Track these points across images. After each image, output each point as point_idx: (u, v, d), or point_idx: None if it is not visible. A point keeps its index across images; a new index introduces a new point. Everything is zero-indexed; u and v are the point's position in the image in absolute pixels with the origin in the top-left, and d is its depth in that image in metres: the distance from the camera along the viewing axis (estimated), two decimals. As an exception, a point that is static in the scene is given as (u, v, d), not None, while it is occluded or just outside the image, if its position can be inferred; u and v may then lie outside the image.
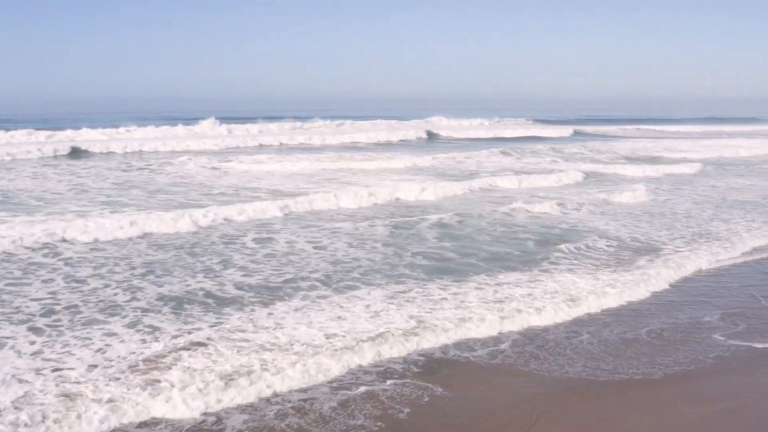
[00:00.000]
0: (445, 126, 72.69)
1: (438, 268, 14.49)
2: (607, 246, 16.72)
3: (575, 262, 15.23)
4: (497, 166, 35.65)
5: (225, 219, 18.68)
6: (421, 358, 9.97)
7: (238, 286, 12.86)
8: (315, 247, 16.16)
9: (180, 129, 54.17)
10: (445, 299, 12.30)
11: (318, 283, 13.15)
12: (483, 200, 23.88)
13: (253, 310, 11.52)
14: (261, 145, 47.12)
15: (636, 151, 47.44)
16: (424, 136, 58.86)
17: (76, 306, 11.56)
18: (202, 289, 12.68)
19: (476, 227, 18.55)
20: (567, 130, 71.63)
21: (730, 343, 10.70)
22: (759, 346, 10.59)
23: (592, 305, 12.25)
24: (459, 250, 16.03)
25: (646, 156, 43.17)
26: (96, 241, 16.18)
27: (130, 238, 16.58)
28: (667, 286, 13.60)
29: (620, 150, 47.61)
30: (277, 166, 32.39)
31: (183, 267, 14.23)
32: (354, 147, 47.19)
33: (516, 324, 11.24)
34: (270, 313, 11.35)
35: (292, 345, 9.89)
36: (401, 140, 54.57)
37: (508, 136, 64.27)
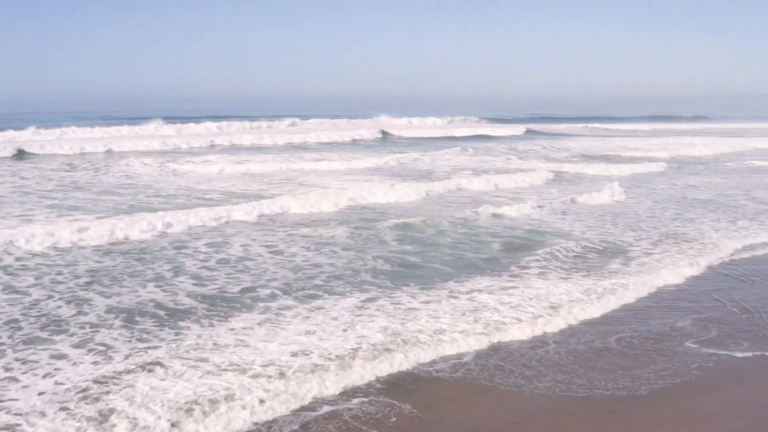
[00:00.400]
0: (397, 125, 72.23)
1: (403, 275, 13.82)
2: (582, 249, 16.17)
3: (549, 266, 14.67)
4: (461, 165, 35.12)
5: (176, 223, 17.69)
6: (391, 374, 9.29)
7: (193, 296, 12.04)
8: (271, 252, 15.40)
9: (126, 129, 52.93)
10: (416, 309, 11.63)
11: (279, 292, 12.37)
12: (451, 202, 23.18)
13: (211, 325, 10.69)
14: (212, 145, 45.95)
15: (592, 149, 47.46)
16: (379, 135, 58.09)
17: (16, 321, 10.67)
18: (153, 300, 11.82)
19: (443, 230, 17.88)
20: (519, 129, 71.69)
21: (709, 352, 10.19)
22: (740, 355, 10.10)
23: (572, 316, 11.65)
24: (424, 255, 15.37)
25: (604, 154, 43.00)
26: (40, 246, 15.22)
27: (75, 244, 15.64)
28: (645, 294, 13.08)
29: (576, 148, 47.56)
30: (229, 167, 31.41)
31: (131, 275, 13.39)
32: (306, 147, 46.34)
33: (493, 338, 10.55)
34: (231, 328, 10.52)
35: (261, 366, 9.08)
36: (354, 140, 53.77)
37: (461, 134, 63.87)
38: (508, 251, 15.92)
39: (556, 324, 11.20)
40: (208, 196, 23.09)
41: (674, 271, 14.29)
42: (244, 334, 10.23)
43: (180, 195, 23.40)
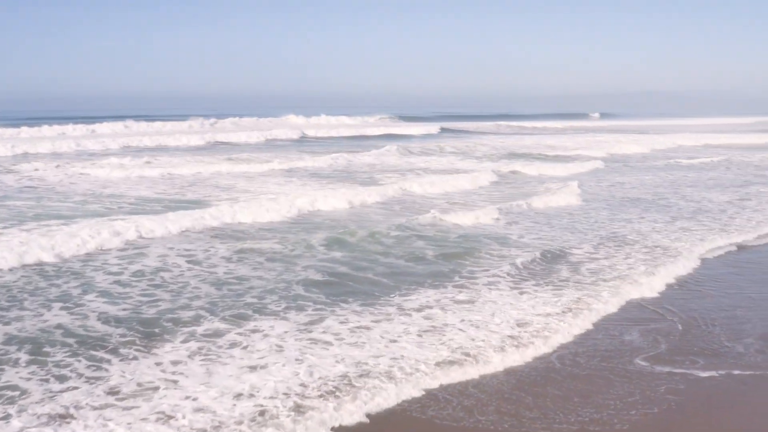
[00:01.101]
0: (314, 125, 71.01)
1: (342, 288, 12.58)
2: (536, 257, 15.14)
3: (498, 275, 13.62)
4: (398, 166, 33.92)
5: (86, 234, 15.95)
6: (361, 422, 7.94)
7: (106, 320, 10.57)
8: (190, 262, 14.04)
9: (25, 131, 50.48)
10: (368, 328, 10.41)
11: (205, 313, 10.97)
12: (397, 208, 21.77)
13: (135, 358, 9.20)
14: (124, 147, 43.70)
15: (521, 147, 47.02)
16: (294, 135, 56.42)
17: None
18: (60, 326, 10.31)
19: (384, 239, 16.48)
20: (434, 127, 71.15)
21: (665, 371, 9.25)
22: (704, 374, 9.15)
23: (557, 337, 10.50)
24: (359, 266, 14.17)
25: (537, 153, 42.13)
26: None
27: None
28: (615, 309, 11.99)
29: (503, 147, 47.26)
30: (137, 171, 29.50)
31: (33, 294, 11.84)
32: (220, 148, 44.54)
33: (470, 368, 9.20)
34: (157, 362, 9.03)
35: (195, 414, 7.63)
36: (268, 140, 51.94)
37: (379, 133, 63.01)
38: (450, 260, 14.80)
39: (537, 349, 9.97)
40: (119, 202, 21.43)
41: (649, 283, 13.21)
42: (175, 371, 8.75)
43: (89, 201, 21.66)
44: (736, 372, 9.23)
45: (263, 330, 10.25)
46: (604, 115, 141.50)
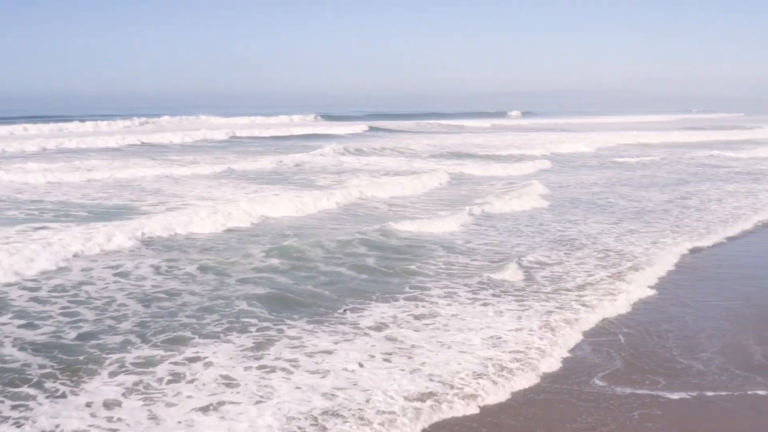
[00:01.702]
0: (240, 125, 69.42)
1: (287, 304, 11.43)
2: (491, 264, 14.26)
3: (450, 285, 12.65)
4: (345, 167, 32.41)
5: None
6: None
7: (22, 347, 9.26)
8: (117, 275, 12.69)
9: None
10: (329, 352, 9.29)
11: (134, 338, 9.70)
12: (351, 215, 20.11)
13: (64, 395, 7.86)
14: (44, 149, 41.13)
15: (461, 146, 46.08)
16: (223, 136, 54.12)
17: None
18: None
19: (333, 249, 15.19)
20: (361, 126, 70.10)
21: (628, 392, 8.40)
22: (674, 397, 8.29)
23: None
24: (308, 278, 13.03)
25: (484, 154, 40.79)
26: None
27: None
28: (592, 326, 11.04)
29: (444, 146, 46.04)
30: (56, 175, 27.53)
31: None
32: (145, 149, 42.56)
33: (455, 407, 7.92)
34: (88, 403, 7.66)
35: None
36: (198, 141, 49.46)
37: (311, 133, 61.58)
38: (400, 270, 13.79)
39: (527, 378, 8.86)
40: (39, 208, 19.83)
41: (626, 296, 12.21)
42: (110, 416, 7.38)
43: (6, 208, 20.03)
44: (710, 394, 8.39)
45: (205, 357, 9.01)
46: (525, 114, 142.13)
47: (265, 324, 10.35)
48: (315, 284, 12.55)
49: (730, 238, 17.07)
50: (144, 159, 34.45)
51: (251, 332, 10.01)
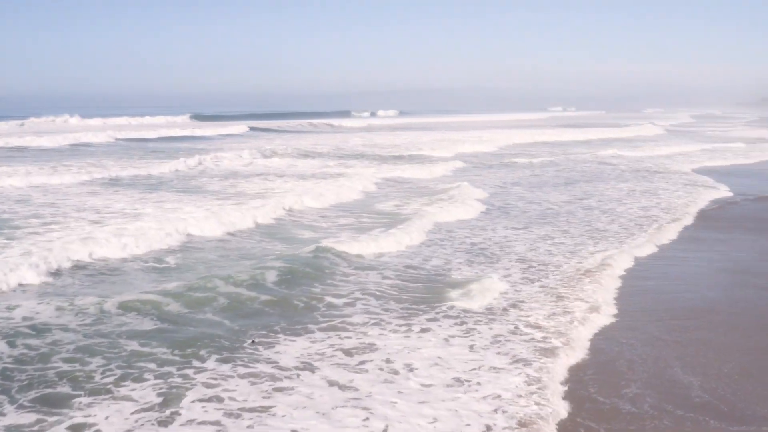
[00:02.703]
0: (118, 125, 65.64)
1: (185, 336, 9.31)
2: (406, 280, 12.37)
3: (371, 307, 10.77)
4: (255, 171, 29.18)
5: None
6: None
7: None
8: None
9: None
10: (261, 410, 7.18)
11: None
12: (281, 231, 16.79)
13: None
14: None
15: (365, 147, 43.69)
16: (104, 138, 49.56)
17: None
18: None
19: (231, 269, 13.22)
20: (241, 127, 67.39)
21: None
22: None
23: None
24: (205, 305, 10.84)
25: (394, 155, 38.18)
26: None
27: None
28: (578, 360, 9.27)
29: (342, 147, 43.61)
30: None
31: None
32: (21, 152, 38.25)
33: None
34: None
35: None
36: (75, 145, 43.92)
37: (188, 134, 58.07)
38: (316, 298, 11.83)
39: None
40: None
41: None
42: None
43: None
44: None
45: (95, 425, 6.80)
46: (402, 113, 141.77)
47: (166, 369, 8.22)
48: (213, 311, 10.44)
49: (660, 246, 15.52)
50: (15, 165, 30.76)
51: (150, 381, 7.85)
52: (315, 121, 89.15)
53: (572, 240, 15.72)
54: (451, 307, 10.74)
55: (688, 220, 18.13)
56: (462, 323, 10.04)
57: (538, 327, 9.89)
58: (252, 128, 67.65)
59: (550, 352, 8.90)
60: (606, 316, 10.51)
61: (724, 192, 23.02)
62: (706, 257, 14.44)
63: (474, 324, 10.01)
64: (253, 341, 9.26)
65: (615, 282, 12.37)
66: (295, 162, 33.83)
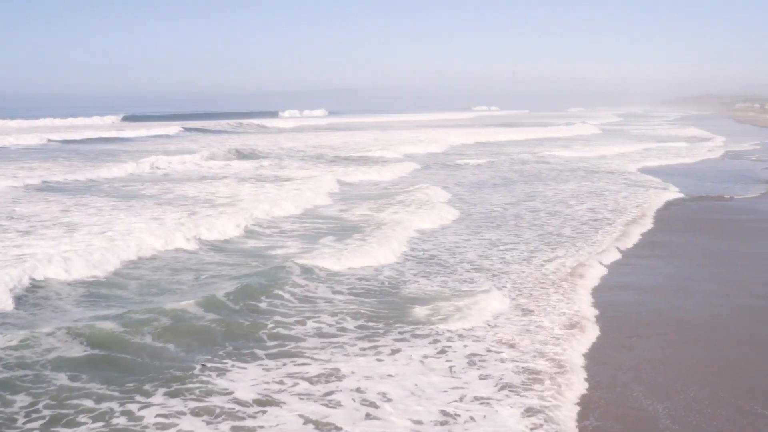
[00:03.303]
0: (59, 127, 62.87)
1: (120, 367, 8.08)
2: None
3: (326, 331, 9.66)
4: (207, 175, 27.20)
5: None
6: None
7: None
8: None
9: None
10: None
11: None
12: (244, 247, 14.94)
13: None
14: None
15: (309, 148, 41.84)
16: (39, 141, 46.59)
17: None
18: None
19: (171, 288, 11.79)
20: (174, 128, 65.23)
21: None
22: None
23: None
24: (144, 327, 9.48)
25: (345, 156, 36.57)
26: None
27: None
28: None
29: (286, 147, 42.22)
30: None
31: None
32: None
33: None
34: None
35: None
36: (4, 147, 41.33)
37: (130, 136, 55.75)
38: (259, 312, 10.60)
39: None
40: None
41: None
42: None
43: None
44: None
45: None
46: (332, 113, 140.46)
47: (106, 406, 6.95)
48: (154, 335, 9.13)
49: (624, 252, 14.64)
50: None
51: (86, 423, 6.59)
52: (245, 121, 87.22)
53: (527, 246, 14.85)
54: (434, 331, 9.54)
55: (647, 223, 17.37)
56: (434, 341, 9.04)
57: (512, 345, 8.94)
58: (185, 128, 65.65)
59: (538, 379, 7.92)
60: (590, 333, 9.57)
61: (674, 193, 22.35)
62: (671, 263, 13.72)
63: (448, 341, 9.01)
64: (203, 365, 8.09)
65: (585, 294, 11.49)
66: (241, 164, 31.97)
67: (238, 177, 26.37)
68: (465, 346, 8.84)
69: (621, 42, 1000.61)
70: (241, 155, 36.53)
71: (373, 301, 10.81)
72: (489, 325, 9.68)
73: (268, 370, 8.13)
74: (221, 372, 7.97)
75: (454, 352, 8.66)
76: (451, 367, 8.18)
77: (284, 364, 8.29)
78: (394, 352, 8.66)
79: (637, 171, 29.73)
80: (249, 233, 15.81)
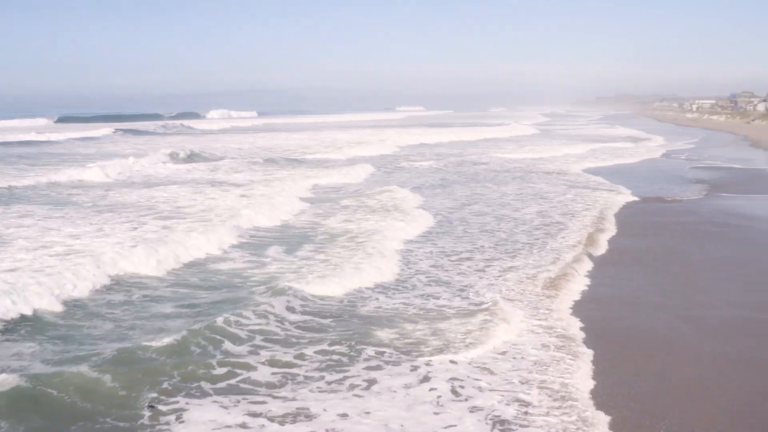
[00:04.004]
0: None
1: (43, 408, 6.93)
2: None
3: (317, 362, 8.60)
4: (174, 180, 25.92)
5: None
6: None
7: None
8: None
9: None
10: None
11: None
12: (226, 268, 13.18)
13: None
14: None
15: (262, 150, 40.91)
16: None
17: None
18: None
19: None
20: (105, 129, 63.54)
21: None
22: None
23: None
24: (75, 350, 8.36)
25: (293, 158, 35.71)
26: None
27: None
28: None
29: (231, 149, 41.04)
30: None
31: None
32: None
33: None
34: None
35: None
36: None
37: (59, 138, 53.73)
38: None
39: None
40: None
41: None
42: None
43: None
44: None
45: None
46: (261, 114, 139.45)
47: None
48: (91, 365, 7.84)
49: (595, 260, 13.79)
50: None
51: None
52: (179, 121, 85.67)
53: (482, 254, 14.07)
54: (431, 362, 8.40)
55: (610, 228, 16.62)
56: (413, 368, 8.11)
57: (489, 371, 8.06)
58: (117, 129, 63.98)
59: (537, 416, 7.00)
60: (585, 360, 8.56)
61: (627, 195, 21.70)
62: (647, 272, 12.92)
63: (427, 367, 8.12)
64: (151, 406, 7.09)
65: (564, 311, 10.51)
66: (196, 166, 30.84)
67: (196, 182, 25.05)
68: (447, 369, 7.91)
69: (538, 43, 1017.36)
70: (189, 158, 34.58)
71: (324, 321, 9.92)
72: (468, 345, 8.84)
73: (225, 407, 7.05)
74: (178, 411, 6.93)
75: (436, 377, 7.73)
76: (438, 398, 7.31)
77: (239, 402, 7.21)
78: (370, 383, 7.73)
79: (582, 171, 29.42)
80: (226, 251, 14.17)
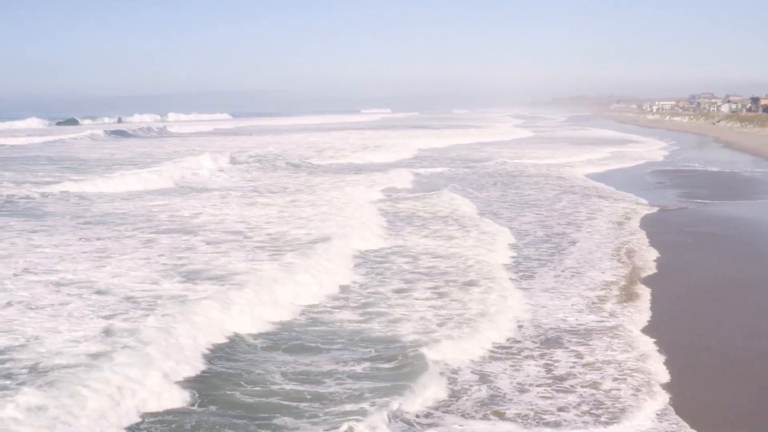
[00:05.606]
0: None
1: None
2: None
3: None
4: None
5: None
6: None
7: None
8: None
9: None
10: None
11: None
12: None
13: None
14: None
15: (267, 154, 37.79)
16: None
17: None
18: None
19: None
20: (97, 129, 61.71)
21: None
22: None
23: None
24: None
25: (307, 164, 32.55)
26: None
27: None
28: None
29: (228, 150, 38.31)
30: None
31: None
32: None
33: None
34: None
35: None
36: None
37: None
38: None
39: None
40: None
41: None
42: None
43: None
44: None
45: None
46: (234, 115, 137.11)
47: None
48: None
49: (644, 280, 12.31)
50: None
51: None
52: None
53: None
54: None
55: (644, 245, 14.91)
56: None
57: None
58: (99, 130, 62.22)
59: None
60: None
61: (646, 207, 19.88)
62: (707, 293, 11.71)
63: None
64: None
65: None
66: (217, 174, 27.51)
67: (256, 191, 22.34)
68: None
69: (494, 46, 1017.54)
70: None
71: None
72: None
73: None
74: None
75: None
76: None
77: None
78: None
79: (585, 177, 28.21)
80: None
